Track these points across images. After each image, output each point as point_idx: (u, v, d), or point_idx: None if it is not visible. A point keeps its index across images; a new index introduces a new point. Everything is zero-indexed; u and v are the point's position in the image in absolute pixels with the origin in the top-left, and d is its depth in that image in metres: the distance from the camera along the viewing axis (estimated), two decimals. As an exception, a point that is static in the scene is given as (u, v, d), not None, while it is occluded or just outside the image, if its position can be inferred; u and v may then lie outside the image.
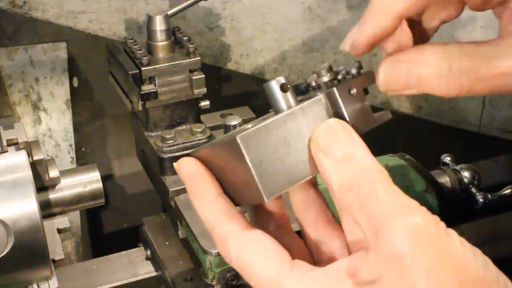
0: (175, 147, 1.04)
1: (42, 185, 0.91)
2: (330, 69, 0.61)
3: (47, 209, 0.92)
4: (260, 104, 1.29)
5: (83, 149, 1.34)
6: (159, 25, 1.05)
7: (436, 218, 0.52)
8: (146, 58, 1.03)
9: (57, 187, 0.93)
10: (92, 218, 1.37)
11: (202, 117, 1.10)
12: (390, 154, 1.09)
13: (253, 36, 1.33)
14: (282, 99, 0.59)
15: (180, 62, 1.05)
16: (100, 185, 0.96)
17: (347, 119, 0.59)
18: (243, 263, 0.57)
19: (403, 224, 0.51)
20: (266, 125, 0.56)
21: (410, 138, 1.43)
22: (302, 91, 0.62)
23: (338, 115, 0.59)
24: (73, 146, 1.31)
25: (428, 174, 1.06)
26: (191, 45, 1.06)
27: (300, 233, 0.64)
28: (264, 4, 1.31)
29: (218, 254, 0.91)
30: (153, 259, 1.06)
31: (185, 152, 1.03)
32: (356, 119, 0.59)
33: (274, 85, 0.59)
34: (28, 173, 0.83)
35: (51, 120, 1.29)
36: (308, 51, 1.36)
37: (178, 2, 1.12)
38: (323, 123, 0.58)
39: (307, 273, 0.56)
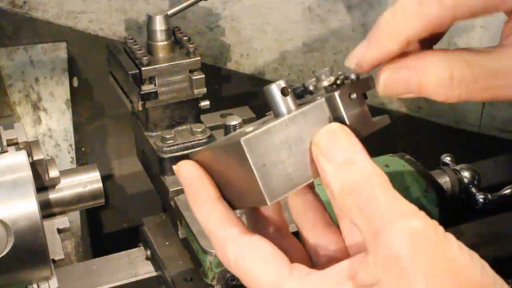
0: (175, 147, 1.04)
1: (42, 185, 0.91)
2: (330, 73, 0.61)
3: (47, 209, 0.92)
4: (260, 104, 1.29)
5: (83, 149, 1.33)
6: (159, 25, 1.05)
7: (435, 222, 0.53)
8: (146, 58, 1.03)
9: (57, 187, 0.93)
10: (92, 218, 1.37)
11: (202, 117, 1.10)
12: (390, 154, 1.09)
13: (253, 36, 1.33)
14: (283, 102, 0.59)
15: (180, 62, 1.05)
16: (100, 185, 0.96)
17: (348, 124, 0.59)
18: (242, 268, 0.57)
19: (402, 227, 0.52)
20: (269, 128, 0.56)
21: (410, 138, 1.43)
22: (299, 95, 0.62)
23: (338, 119, 0.59)
24: (73, 146, 1.31)
25: (428, 174, 1.06)
26: (191, 45, 1.06)
27: (297, 235, 0.65)
28: (264, 4, 1.31)
29: (218, 254, 0.91)
30: (153, 259, 1.06)
31: (185, 152, 1.03)
32: (356, 124, 0.59)
33: (275, 89, 0.59)
34: (28, 173, 0.83)
35: (51, 120, 1.29)
36: (308, 51, 1.36)
37: (178, 2, 1.12)
38: (324, 127, 0.58)
39: (306, 276, 0.56)
